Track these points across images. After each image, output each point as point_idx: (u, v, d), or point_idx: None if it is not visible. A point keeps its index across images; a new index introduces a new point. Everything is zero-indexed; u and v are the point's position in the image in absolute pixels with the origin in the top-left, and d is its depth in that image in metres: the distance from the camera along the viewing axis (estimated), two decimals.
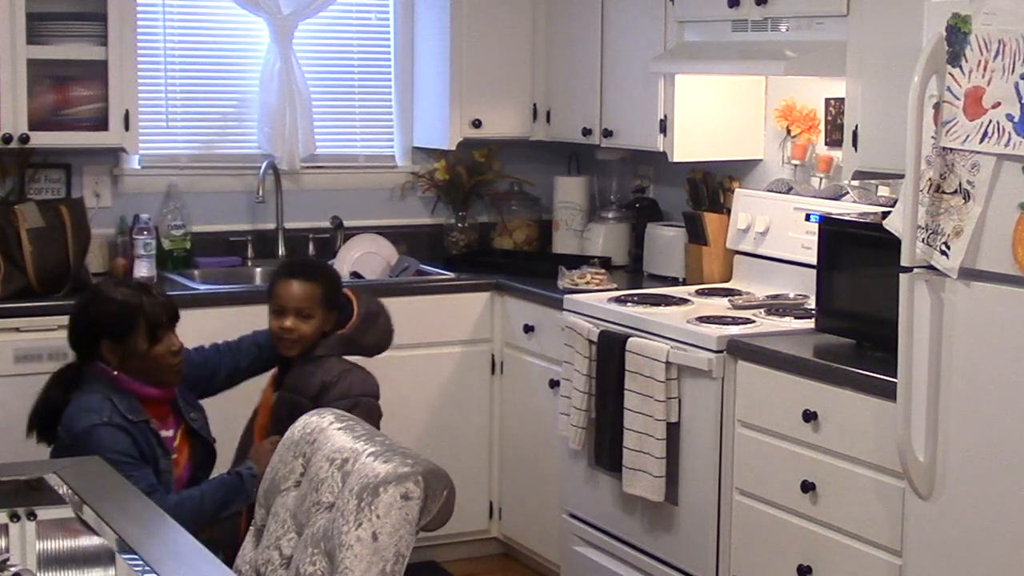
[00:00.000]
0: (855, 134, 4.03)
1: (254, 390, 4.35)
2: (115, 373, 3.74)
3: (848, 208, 4.45)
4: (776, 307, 4.46)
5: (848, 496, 3.69)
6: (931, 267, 3.27)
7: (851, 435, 3.67)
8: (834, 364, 3.76)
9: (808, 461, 3.81)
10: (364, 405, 3.99)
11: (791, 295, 4.62)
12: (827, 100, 4.68)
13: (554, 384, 4.82)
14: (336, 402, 3.88)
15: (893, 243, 3.36)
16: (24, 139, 4.79)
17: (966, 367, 3.22)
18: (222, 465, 4.08)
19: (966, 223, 3.17)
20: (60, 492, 3.18)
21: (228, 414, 4.30)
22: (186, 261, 5.27)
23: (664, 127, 4.93)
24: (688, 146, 4.95)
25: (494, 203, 5.81)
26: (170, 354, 3.81)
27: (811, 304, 4.37)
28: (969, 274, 3.20)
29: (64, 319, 4.31)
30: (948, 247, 3.22)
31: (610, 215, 5.55)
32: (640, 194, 5.60)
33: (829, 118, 4.69)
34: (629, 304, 4.55)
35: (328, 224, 5.58)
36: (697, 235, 5.05)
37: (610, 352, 4.39)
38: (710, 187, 5.13)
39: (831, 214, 4.28)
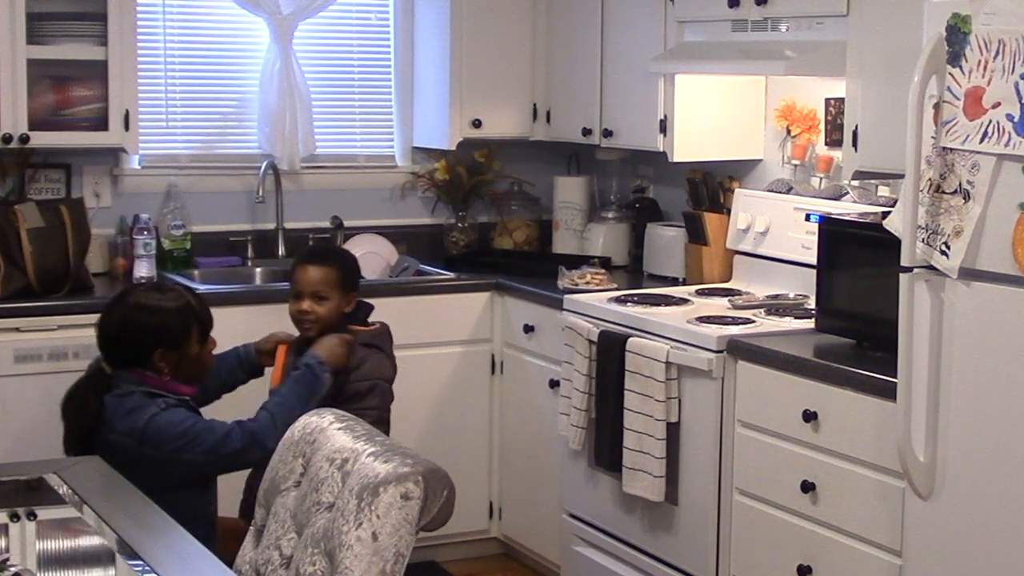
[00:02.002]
0: (855, 134, 4.03)
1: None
2: (165, 379, 3.71)
3: (848, 208, 4.45)
4: (776, 307, 4.46)
5: (848, 496, 3.69)
6: (931, 267, 3.27)
7: (851, 435, 3.67)
8: (834, 364, 3.76)
9: (808, 461, 3.81)
10: (380, 388, 4.18)
11: (791, 295, 4.62)
12: (827, 100, 4.68)
13: (554, 384, 4.82)
14: (357, 383, 4.12)
15: (893, 243, 3.36)
16: (24, 139, 4.79)
17: (966, 367, 3.22)
18: None
19: (966, 223, 3.17)
20: (60, 492, 3.18)
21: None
22: (186, 261, 5.27)
23: (664, 127, 4.93)
24: (688, 146, 4.95)
25: (494, 203, 5.81)
26: (212, 353, 3.88)
27: (811, 304, 4.37)
28: (969, 274, 3.20)
29: (64, 319, 4.32)
30: (948, 247, 3.22)
31: (610, 215, 5.55)
32: (640, 194, 5.60)
33: (829, 118, 4.69)
34: (629, 304, 4.55)
35: (328, 224, 5.58)
36: (697, 235, 5.05)
37: (610, 352, 4.39)
38: (710, 187, 5.13)
39: (831, 214, 4.28)
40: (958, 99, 3.19)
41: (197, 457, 3.60)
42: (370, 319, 4.36)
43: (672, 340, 4.22)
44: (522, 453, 5.16)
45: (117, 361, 3.74)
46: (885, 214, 3.78)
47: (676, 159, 4.96)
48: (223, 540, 3.68)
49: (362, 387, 4.13)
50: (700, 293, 4.77)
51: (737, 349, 4.05)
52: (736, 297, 4.66)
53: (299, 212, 5.53)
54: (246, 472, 4.32)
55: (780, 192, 4.86)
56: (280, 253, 5.45)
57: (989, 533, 3.19)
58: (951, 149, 3.22)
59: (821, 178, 4.72)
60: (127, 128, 4.95)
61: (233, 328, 4.79)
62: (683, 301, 4.61)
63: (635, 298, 4.63)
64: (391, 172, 5.75)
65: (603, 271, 5.07)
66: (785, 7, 4.35)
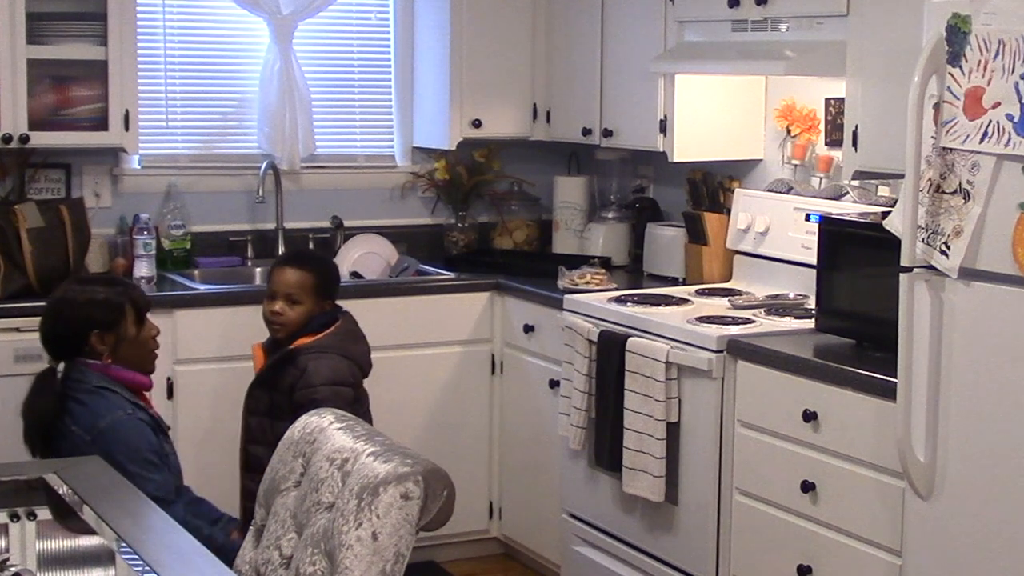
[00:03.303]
0: (855, 134, 4.03)
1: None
2: (108, 362, 3.74)
3: (848, 208, 4.45)
4: (776, 307, 4.46)
5: (848, 496, 3.69)
6: (931, 267, 3.27)
7: (851, 435, 3.67)
8: (834, 364, 3.76)
9: (808, 461, 3.81)
10: (326, 394, 4.15)
11: (791, 295, 4.62)
12: (827, 100, 4.68)
13: (554, 384, 4.82)
14: (303, 391, 4.14)
15: (893, 243, 3.36)
16: (24, 139, 4.79)
17: (966, 367, 3.22)
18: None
19: (966, 223, 3.17)
20: (60, 492, 3.18)
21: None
22: (186, 261, 5.27)
23: (664, 127, 4.93)
24: (688, 146, 4.95)
25: (494, 203, 5.81)
26: (153, 339, 3.90)
27: (811, 304, 4.37)
28: (969, 274, 3.20)
29: None
30: (948, 247, 3.22)
31: (610, 215, 5.55)
32: (640, 194, 5.60)
33: (829, 118, 4.69)
34: (629, 304, 4.55)
35: (328, 224, 5.57)
36: (697, 235, 5.05)
37: (610, 352, 4.39)
38: (710, 187, 5.13)
39: (831, 214, 4.28)
40: (958, 99, 3.19)
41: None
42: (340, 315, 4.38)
43: (672, 340, 4.22)
44: (522, 453, 5.16)
45: (59, 354, 3.79)
46: (885, 214, 3.78)
47: (676, 159, 4.96)
48: None
49: (305, 396, 4.12)
50: (700, 293, 4.77)
51: (737, 349, 4.05)
52: (736, 297, 4.66)
53: (299, 212, 5.53)
54: (236, 479, 4.32)
55: (780, 192, 4.86)
56: (280, 253, 5.44)
57: (989, 533, 3.19)
58: (951, 149, 3.21)
59: (821, 178, 4.72)
60: (127, 128, 4.95)
61: (233, 328, 4.80)
62: (683, 301, 4.61)
63: (635, 298, 4.63)
64: (391, 172, 5.75)
65: (603, 271, 5.07)
66: (785, 7, 4.35)
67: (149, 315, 3.89)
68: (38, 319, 4.54)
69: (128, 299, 3.82)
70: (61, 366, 3.79)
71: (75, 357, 3.77)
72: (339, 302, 4.48)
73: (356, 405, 4.26)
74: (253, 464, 4.17)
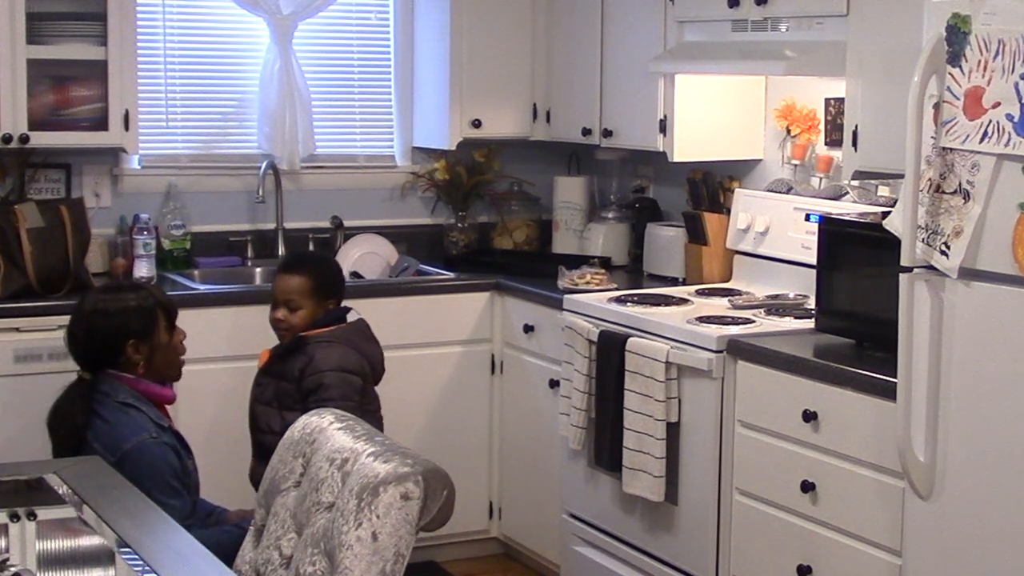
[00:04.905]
0: (855, 134, 4.03)
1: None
2: (140, 374, 3.70)
3: (848, 208, 4.46)
4: (776, 307, 4.46)
5: (848, 496, 3.69)
6: (931, 267, 3.27)
7: (851, 435, 3.67)
8: (834, 364, 3.76)
9: (808, 461, 3.81)
10: (337, 378, 4.18)
11: (791, 295, 4.62)
12: (827, 100, 4.68)
13: (554, 384, 4.82)
14: (309, 377, 4.17)
15: (893, 243, 3.36)
16: (24, 139, 4.79)
17: (966, 367, 3.22)
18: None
19: (966, 223, 3.17)
20: (60, 492, 3.18)
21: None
22: (186, 261, 5.27)
23: (664, 127, 4.93)
24: (688, 146, 4.95)
25: (494, 203, 5.81)
26: (182, 343, 3.89)
27: (811, 304, 4.37)
28: (969, 274, 3.20)
29: (64, 319, 4.29)
30: (948, 247, 3.22)
31: (610, 215, 5.55)
32: (640, 194, 5.60)
33: (829, 118, 4.69)
34: (629, 304, 4.55)
35: (328, 224, 5.57)
36: (697, 235, 5.05)
37: (610, 352, 4.39)
38: (710, 187, 5.13)
39: (831, 214, 4.28)
40: (958, 99, 3.19)
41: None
42: (348, 317, 4.39)
43: (672, 340, 4.22)
44: (522, 453, 5.16)
45: (92, 365, 3.73)
46: (885, 214, 3.78)
47: (676, 159, 4.96)
48: None
49: (314, 381, 4.17)
50: (700, 293, 4.77)
51: (737, 349, 4.05)
52: (736, 297, 4.66)
53: (299, 212, 5.53)
54: (246, 468, 4.34)
55: (780, 192, 4.86)
56: (280, 253, 5.44)
57: (989, 533, 3.19)
58: (951, 149, 3.21)
59: (821, 178, 4.72)
60: (127, 128, 4.95)
61: (233, 328, 4.81)
62: (683, 301, 4.61)
63: (635, 298, 4.63)
64: (391, 172, 5.75)
65: (603, 271, 5.07)
66: (785, 7, 4.35)
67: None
68: (38, 319, 4.57)
69: (158, 304, 3.79)
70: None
71: (110, 367, 3.72)
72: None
73: (364, 398, 4.27)
74: (259, 451, 4.20)
